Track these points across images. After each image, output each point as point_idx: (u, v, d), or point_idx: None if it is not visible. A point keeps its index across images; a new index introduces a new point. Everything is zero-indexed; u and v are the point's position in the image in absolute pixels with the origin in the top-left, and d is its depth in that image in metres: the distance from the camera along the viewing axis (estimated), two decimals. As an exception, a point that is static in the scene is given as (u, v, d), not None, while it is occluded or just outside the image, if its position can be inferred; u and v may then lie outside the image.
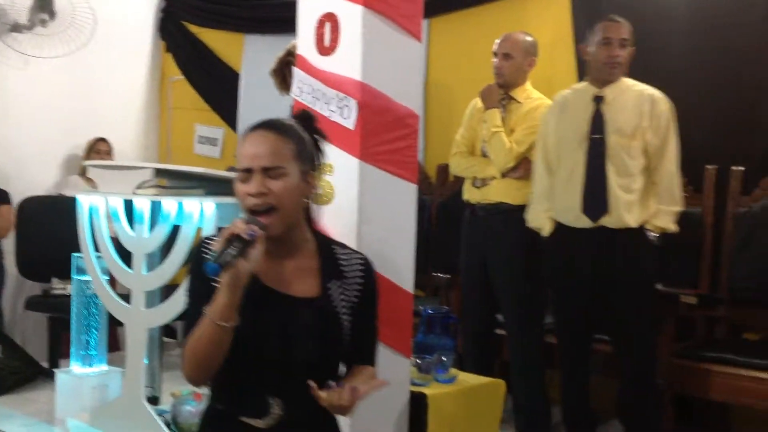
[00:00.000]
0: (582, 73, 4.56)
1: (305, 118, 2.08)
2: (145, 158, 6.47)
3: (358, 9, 2.85)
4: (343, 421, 2.13)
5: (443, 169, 5.00)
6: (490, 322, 4.19)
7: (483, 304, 4.14)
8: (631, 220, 3.57)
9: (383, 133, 2.92)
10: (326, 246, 2.08)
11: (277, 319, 1.95)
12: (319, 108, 2.94)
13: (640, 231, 3.59)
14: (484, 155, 4.08)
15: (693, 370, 3.72)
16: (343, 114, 2.89)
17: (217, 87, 6.32)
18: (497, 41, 4.08)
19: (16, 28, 5.68)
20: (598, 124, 3.63)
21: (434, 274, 4.72)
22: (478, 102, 4.17)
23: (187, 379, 1.97)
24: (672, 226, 3.64)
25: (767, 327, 4.02)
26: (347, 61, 2.89)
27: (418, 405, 3.06)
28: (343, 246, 2.12)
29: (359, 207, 2.89)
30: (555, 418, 4.17)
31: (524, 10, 4.79)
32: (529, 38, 4.07)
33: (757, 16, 4.07)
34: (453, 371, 3.27)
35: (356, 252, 2.12)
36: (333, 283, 2.02)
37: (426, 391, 3.10)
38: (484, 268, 4.08)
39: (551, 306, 3.95)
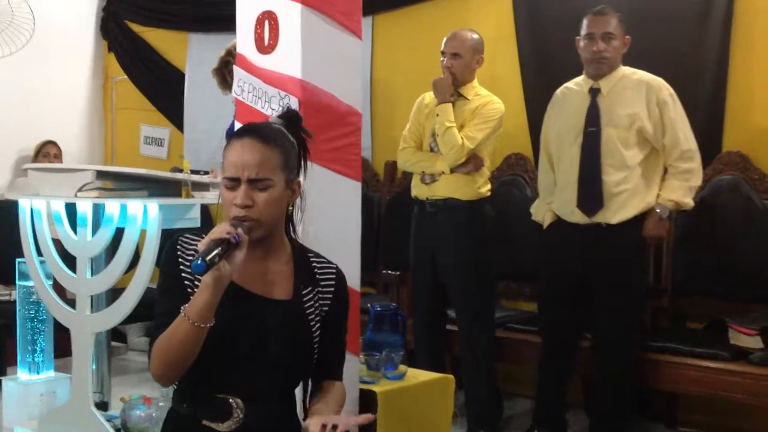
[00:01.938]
0: (524, 70, 4.63)
1: (292, 119, 2.09)
2: (90, 160, 6.40)
3: (297, 6, 2.84)
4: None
5: (391, 166, 5.01)
6: (440, 317, 4.21)
7: (433, 300, 4.16)
8: (627, 213, 3.58)
9: (326, 132, 2.91)
10: (302, 253, 2.11)
11: (248, 319, 1.97)
12: (261, 107, 2.93)
13: (634, 225, 3.59)
14: (432, 150, 4.08)
15: (642, 360, 3.76)
16: (284, 113, 2.87)
17: (162, 87, 6.27)
18: (444, 40, 4.08)
19: (-46, 29, 5.58)
20: (593, 116, 3.63)
21: (384, 271, 4.73)
22: (425, 97, 4.18)
23: (155, 377, 1.95)
24: (688, 201, 3.63)
25: (709, 316, 4.09)
26: (287, 59, 2.87)
27: (367, 403, 3.05)
28: (318, 255, 2.15)
29: (303, 206, 2.87)
30: (505, 412, 4.21)
31: (467, 7, 4.82)
32: (475, 36, 4.08)
33: (692, 13, 4.14)
34: (402, 368, 3.26)
35: (330, 263, 2.14)
36: (306, 289, 2.05)
37: (375, 388, 3.10)
38: (434, 263, 4.09)
39: (539, 299, 3.98)
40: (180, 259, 1.96)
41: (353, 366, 3.04)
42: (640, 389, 3.85)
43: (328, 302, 2.07)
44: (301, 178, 2.08)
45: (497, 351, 4.11)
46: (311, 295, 2.05)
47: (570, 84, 3.83)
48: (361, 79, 3.14)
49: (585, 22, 3.67)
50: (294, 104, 2.84)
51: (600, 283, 3.65)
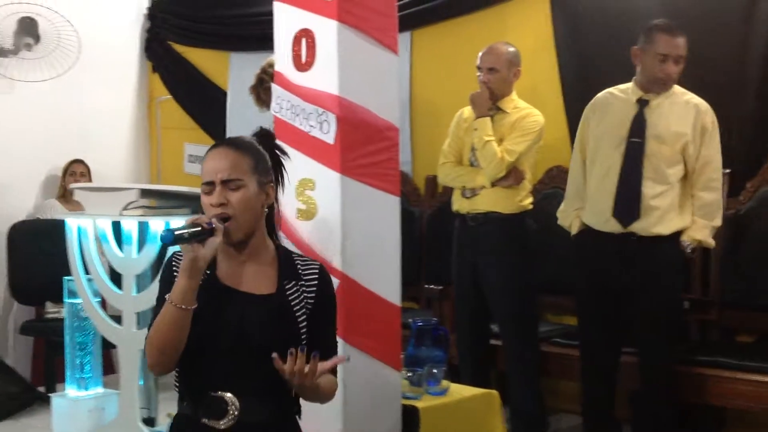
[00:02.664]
0: (564, 81, 4.59)
1: (263, 135, 2.25)
2: (136, 179, 6.46)
3: (333, 24, 2.86)
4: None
5: (432, 181, 5.00)
6: (484, 332, 4.19)
7: (476, 315, 4.14)
8: (663, 228, 3.53)
9: (363, 147, 2.93)
10: (285, 253, 2.22)
11: (234, 313, 2.07)
12: (299, 123, 2.95)
13: (670, 241, 3.54)
14: (472, 165, 4.07)
15: (687, 374, 3.69)
16: (323, 129, 2.89)
17: (205, 105, 6.33)
18: (480, 54, 4.08)
19: (2, 52, 5.71)
20: (638, 127, 3.58)
21: (426, 285, 4.71)
22: (464, 111, 4.17)
23: (150, 368, 2.12)
24: (710, 241, 3.61)
25: (759, 330, 4.01)
26: (324, 76, 2.90)
27: (410, 419, 3.05)
28: (301, 255, 2.28)
29: (342, 221, 2.89)
30: (551, 427, 4.18)
31: (504, 19, 4.79)
32: (511, 49, 4.07)
33: (734, 17, 4.08)
34: (445, 383, 3.25)
35: (314, 260, 2.24)
36: (290, 283, 2.14)
37: (417, 404, 3.09)
38: (476, 278, 4.07)
39: (578, 314, 3.90)
40: (174, 272, 2.08)
41: (395, 381, 3.05)
42: (686, 404, 3.78)
43: (313, 295, 2.14)
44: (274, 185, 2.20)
45: (542, 366, 4.07)
46: (295, 288, 2.13)
47: (614, 90, 3.76)
48: (398, 94, 3.13)
49: (656, 38, 3.57)
50: (332, 120, 2.87)
51: (637, 295, 3.60)
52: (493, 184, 3.97)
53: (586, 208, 3.73)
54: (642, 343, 3.66)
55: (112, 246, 3.81)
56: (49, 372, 5.07)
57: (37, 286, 5.23)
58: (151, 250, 3.65)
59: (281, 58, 3.03)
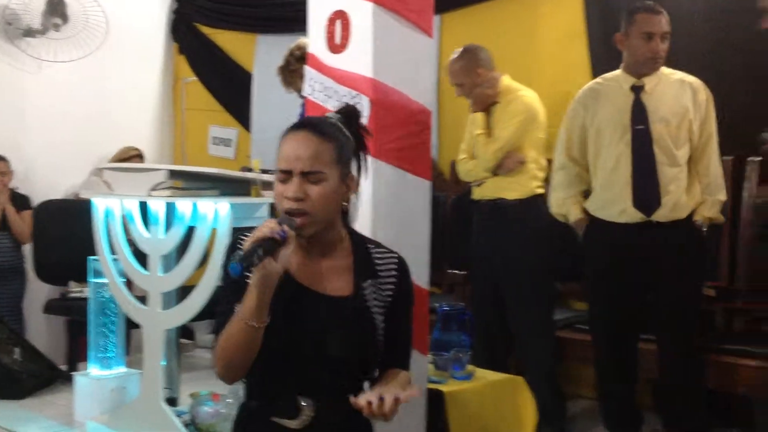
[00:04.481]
0: (595, 67, 4.55)
1: (350, 114, 2.08)
2: (161, 160, 6.48)
3: (369, 6, 2.85)
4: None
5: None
6: (501, 318, 4.17)
7: (493, 301, 4.14)
8: (681, 212, 3.52)
9: (396, 130, 2.92)
10: (361, 245, 2.08)
11: (311, 318, 1.96)
12: (331, 106, 2.92)
13: (689, 224, 3.54)
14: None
15: (713, 363, 3.68)
16: (356, 112, 2.88)
17: (230, 88, 6.33)
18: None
19: (30, 32, 5.71)
20: (639, 114, 3.55)
21: (449, 270, 4.70)
22: None
23: (219, 377, 1.98)
24: (720, 217, 3.61)
25: (788, 318, 3.99)
26: (358, 58, 2.89)
27: (435, 403, 3.04)
28: (378, 245, 2.12)
29: (373, 204, 2.88)
30: (569, 413, 4.16)
31: (535, 5, 4.77)
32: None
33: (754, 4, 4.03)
34: (470, 368, 3.25)
35: (391, 251, 2.11)
36: (367, 282, 2.02)
37: (443, 388, 3.09)
38: (491, 264, 4.08)
39: (591, 305, 3.88)
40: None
41: (421, 365, 3.04)
42: (712, 393, 3.76)
43: (391, 292, 2.04)
44: (356, 174, 2.06)
45: (560, 352, 4.06)
46: (372, 288, 2.02)
47: (601, 80, 3.73)
48: (432, 78, 3.12)
49: (638, 18, 3.55)
50: (365, 103, 2.85)
51: (658, 283, 3.57)
52: (495, 174, 4.02)
53: (594, 200, 3.69)
54: (664, 331, 3.64)
55: (138, 226, 3.80)
56: (72, 351, 5.09)
57: (61, 265, 5.24)
58: (178, 231, 3.64)
59: (315, 39, 3.02)
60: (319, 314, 1.97)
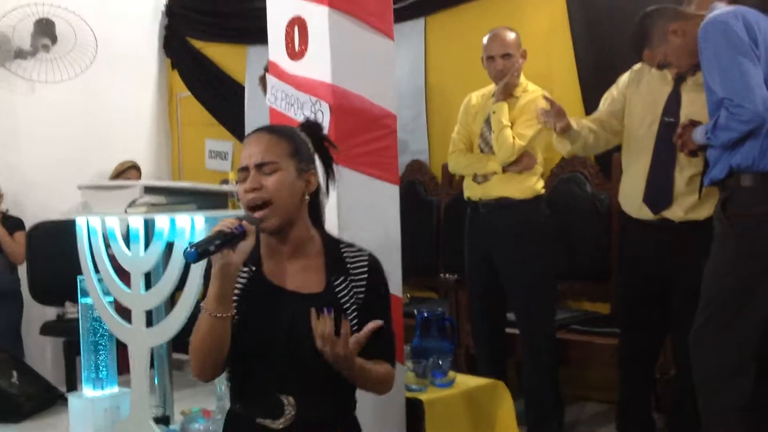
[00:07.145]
0: (580, 65, 4.48)
1: (309, 126, 2.15)
2: (158, 176, 6.48)
3: (324, 10, 2.81)
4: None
5: (449, 169, 4.93)
6: (499, 320, 4.11)
7: (490, 303, 4.06)
8: (697, 214, 3.35)
9: (359, 135, 2.88)
10: (332, 244, 2.12)
11: (284, 316, 2.00)
12: (294, 114, 2.90)
13: (706, 226, 3.28)
14: (482, 151, 4.00)
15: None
16: (318, 118, 2.83)
17: (223, 101, 6.32)
18: (486, 43, 3.96)
19: (20, 54, 5.73)
20: (673, 105, 3.37)
21: (442, 275, 4.64)
22: (472, 98, 4.11)
23: (195, 376, 2.02)
24: None
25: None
26: (317, 64, 2.85)
27: (414, 412, 2.99)
28: (350, 245, 2.15)
29: (338, 212, 2.84)
30: (568, 416, 4.09)
31: (520, 4, 4.70)
32: (514, 32, 3.98)
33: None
34: (451, 374, 3.19)
35: (363, 250, 2.14)
36: (338, 279, 2.05)
37: (422, 396, 3.04)
38: (490, 265, 3.99)
39: (618, 300, 3.80)
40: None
41: (398, 374, 2.97)
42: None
43: (363, 288, 2.06)
44: (323, 181, 2.12)
45: (560, 354, 3.98)
46: (344, 284, 2.04)
47: None
48: (393, 81, 3.04)
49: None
50: (325, 110, 2.80)
51: (677, 283, 3.46)
52: (505, 170, 3.90)
53: (621, 193, 3.61)
54: (682, 331, 3.52)
55: (120, 244, 3.78)
56: (69, 372, 5.07)
57: (56, 286, 5.23)
58: (157, 247, 3.61)
59: (275, 47, 3.00)
60: (292, 311, 1.99)
